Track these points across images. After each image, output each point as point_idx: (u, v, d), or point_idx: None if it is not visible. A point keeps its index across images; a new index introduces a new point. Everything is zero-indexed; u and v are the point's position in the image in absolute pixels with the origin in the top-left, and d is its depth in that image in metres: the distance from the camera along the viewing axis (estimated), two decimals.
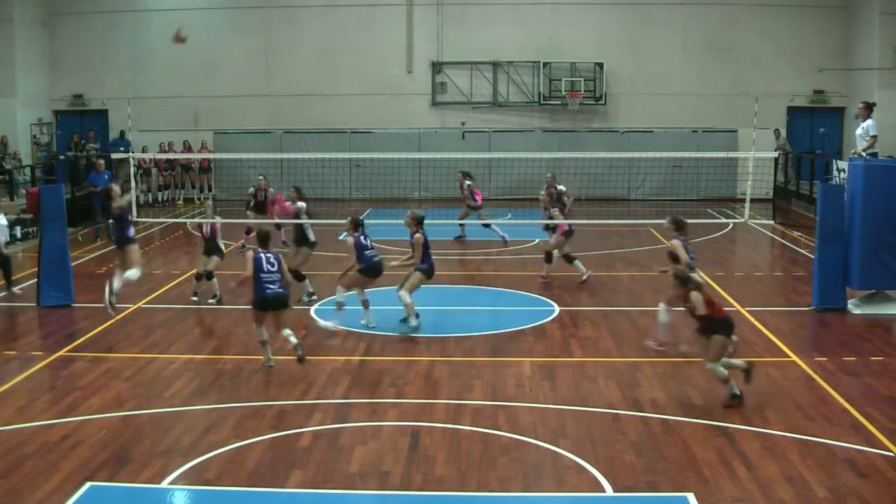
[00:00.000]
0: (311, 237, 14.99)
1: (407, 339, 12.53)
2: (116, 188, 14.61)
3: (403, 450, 8.73)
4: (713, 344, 9.87)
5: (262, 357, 11.41)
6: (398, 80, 30.26)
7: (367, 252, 13.04)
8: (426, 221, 13.17)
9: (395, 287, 13.08)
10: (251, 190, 20.20)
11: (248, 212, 19.86)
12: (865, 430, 9.20)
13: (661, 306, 11.97)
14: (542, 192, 17.49)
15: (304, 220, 15.04)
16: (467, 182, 21.02)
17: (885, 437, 8.97)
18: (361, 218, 13.50)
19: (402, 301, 12.77)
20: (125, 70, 29.97)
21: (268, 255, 11.24)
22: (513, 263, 18.67)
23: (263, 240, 11.55)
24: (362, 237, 13.11)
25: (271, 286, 11.09)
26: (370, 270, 13.08)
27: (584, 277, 16.16)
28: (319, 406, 9.98)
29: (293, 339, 11.02)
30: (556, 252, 16.37)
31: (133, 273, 13.77)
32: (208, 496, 7.97)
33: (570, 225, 16.60)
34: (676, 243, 11.96)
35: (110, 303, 13.32)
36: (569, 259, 16.35)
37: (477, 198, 21.01)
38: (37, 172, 25.66)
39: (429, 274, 12.91)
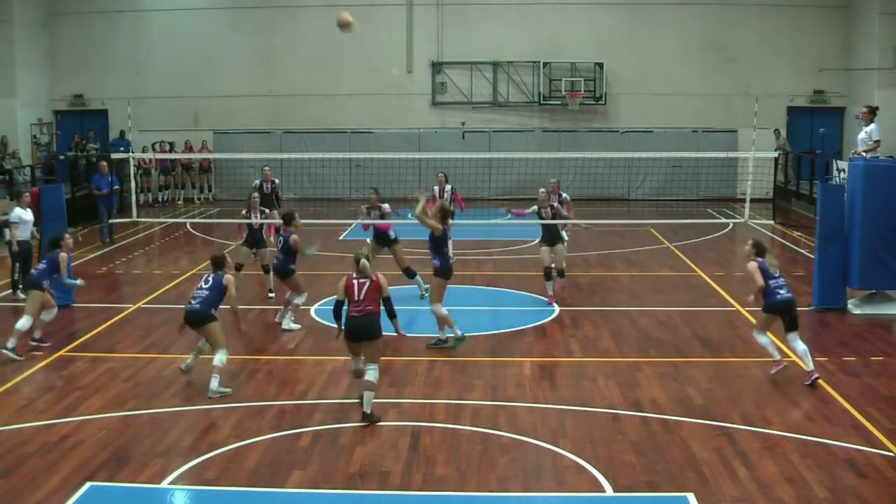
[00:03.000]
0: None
1: (407, 339, 12.46)
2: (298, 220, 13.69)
3: (403, 450, 8.73)
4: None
5: (264, 357, 11.41)
6: (398, 80, 30.23)
7: None
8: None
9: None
10: (255, 183, 17.95)
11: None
12: (865, 430, 9.21)
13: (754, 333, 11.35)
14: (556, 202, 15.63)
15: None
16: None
17: (885, 437, 8.98)
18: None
19: (437, 315, 12.11)
20: (125, 70, 29.95)
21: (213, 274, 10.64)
22: (513, 263, 18.66)
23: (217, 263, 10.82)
24: None
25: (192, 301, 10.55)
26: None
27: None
28: (319, 406, 9.98)
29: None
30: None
31: (301, 298, 13.35)
32: (208, 496, 7.98)
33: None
34: (753, 265, 11.06)
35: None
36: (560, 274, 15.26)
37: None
38: (37, 172, 25.64)
39: (445, 274, 12.19)
